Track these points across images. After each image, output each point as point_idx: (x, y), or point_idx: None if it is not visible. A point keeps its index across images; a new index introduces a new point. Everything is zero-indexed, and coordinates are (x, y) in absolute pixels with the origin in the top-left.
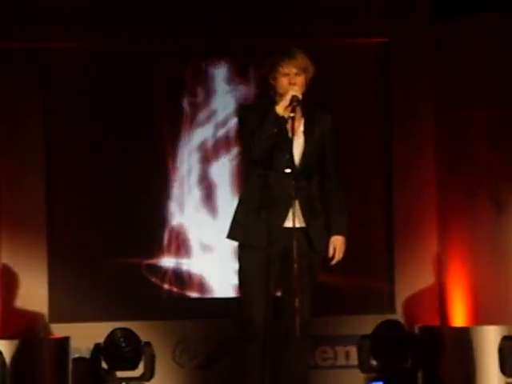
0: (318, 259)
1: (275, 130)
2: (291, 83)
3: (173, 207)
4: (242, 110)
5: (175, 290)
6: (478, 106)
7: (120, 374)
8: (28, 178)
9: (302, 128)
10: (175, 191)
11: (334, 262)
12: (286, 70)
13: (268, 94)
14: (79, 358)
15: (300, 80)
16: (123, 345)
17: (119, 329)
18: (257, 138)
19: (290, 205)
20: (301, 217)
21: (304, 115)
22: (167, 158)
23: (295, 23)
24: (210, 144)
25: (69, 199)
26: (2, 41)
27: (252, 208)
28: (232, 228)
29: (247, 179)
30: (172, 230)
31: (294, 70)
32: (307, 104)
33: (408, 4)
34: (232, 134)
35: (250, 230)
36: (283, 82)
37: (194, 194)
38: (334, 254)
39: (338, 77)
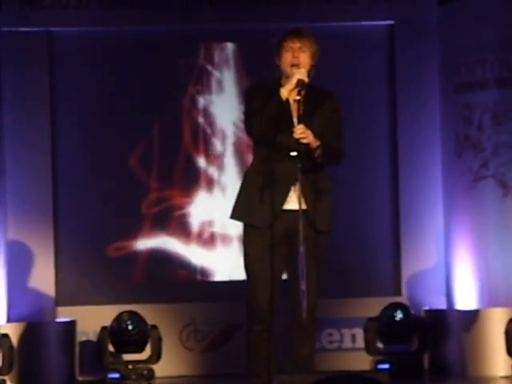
0: (324, 241)
1: (275, 113)
2: (294, 56)
3: (179, 190)
4: (250, 89)
5: (182, 272)
6: (483, 87)
7: (127, 356)
8: (35, 159)
9: (303, 110)
10: (182, 175)
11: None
12: (290, 44)
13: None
14: (86, 341)
15: (304, 57)
16: (130, 328)
17: (126, 312)
18: (258, 118)
19: (293, 187)
20: (304, 199)
21: (306, 97)
22: (177, 139)
23: (300, 7)
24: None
25: (76, 181)
26: (11, 24)
27: (255, 189)
28: (235, 209)
29: (252, 161)
30: (178, 212)
31: (298, 44)
32: (311, 87)
33: None
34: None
35: (252, 211)
36: (287, 57)
37: (202, 176)
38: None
39: (343, 59)
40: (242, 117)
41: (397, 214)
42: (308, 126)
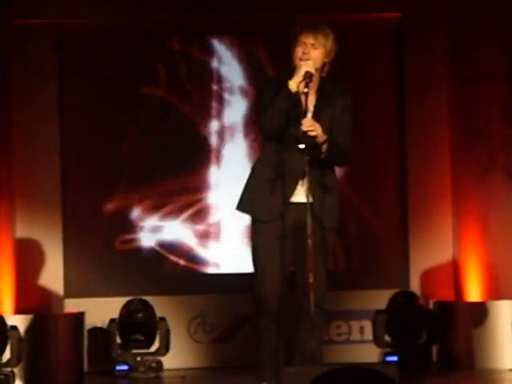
0: (330, 237)
1: (285, 106)
2: (304, 52)
3: (188, 183)
4: (261, 83)
5: (190, 264)
6: (492, 79)
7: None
8: (42, 154)
9: (314, 104)
10: (191, 166)
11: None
12: (304, 39)
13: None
14: (95, 329)
15: (315, 54)
16: (138, 314)
17: (136, 299)
18: (269, 113)
19: (301, 180)
20: (311, 193)
21: (319, 91)
22: (180, 130)
23: None
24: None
25: (84, 173)
26: (20, 16)
27: (263, 182)
28: (241, 200)
29: (261, 153)
30: (187, 205)
31: (311, 41)
32: (327, 81)
33: None
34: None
35: (259, 204)
36: (298, 51)
37: (211, 168)
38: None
39: (352, 51)
40: (254, 112)
41: (405, 205)
42: (317, 120)
